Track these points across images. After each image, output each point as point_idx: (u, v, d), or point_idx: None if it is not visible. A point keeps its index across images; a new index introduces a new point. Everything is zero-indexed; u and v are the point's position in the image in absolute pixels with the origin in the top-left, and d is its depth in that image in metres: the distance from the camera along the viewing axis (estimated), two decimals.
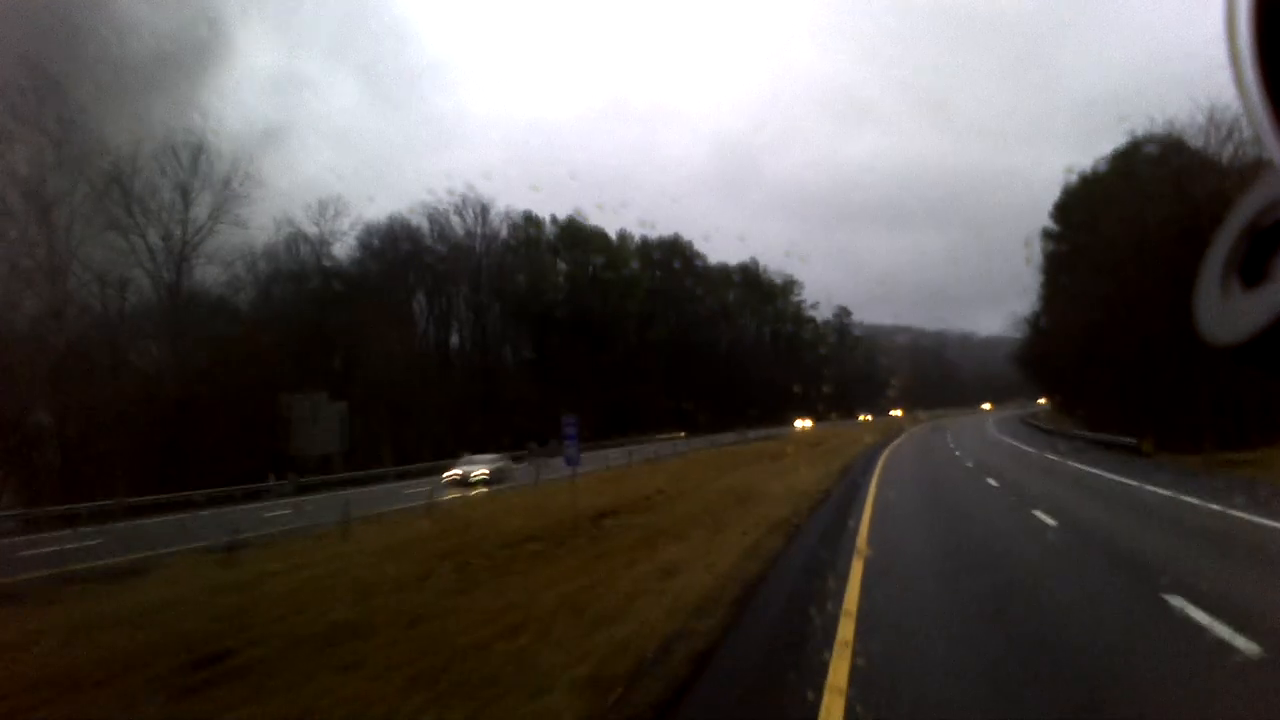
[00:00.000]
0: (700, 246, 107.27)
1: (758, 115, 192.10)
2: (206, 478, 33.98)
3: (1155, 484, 19.52)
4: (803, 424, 77.46)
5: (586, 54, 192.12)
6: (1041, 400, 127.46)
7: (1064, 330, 57.68)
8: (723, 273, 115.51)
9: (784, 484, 23.80)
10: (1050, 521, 13.98)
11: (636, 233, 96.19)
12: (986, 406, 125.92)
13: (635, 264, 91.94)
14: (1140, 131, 36.80)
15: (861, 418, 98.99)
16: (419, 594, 12.94)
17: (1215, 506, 15.01)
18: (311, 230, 50.12)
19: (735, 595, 9.12)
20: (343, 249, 60.71)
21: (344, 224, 51.00)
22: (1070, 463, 29.37)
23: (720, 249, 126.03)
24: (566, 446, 17.63)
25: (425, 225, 71.36)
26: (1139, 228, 40.86)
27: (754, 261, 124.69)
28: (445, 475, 36.07)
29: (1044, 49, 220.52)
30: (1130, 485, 20.36)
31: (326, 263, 48.25)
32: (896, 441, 52.17)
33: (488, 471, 36.27)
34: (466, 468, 36.75)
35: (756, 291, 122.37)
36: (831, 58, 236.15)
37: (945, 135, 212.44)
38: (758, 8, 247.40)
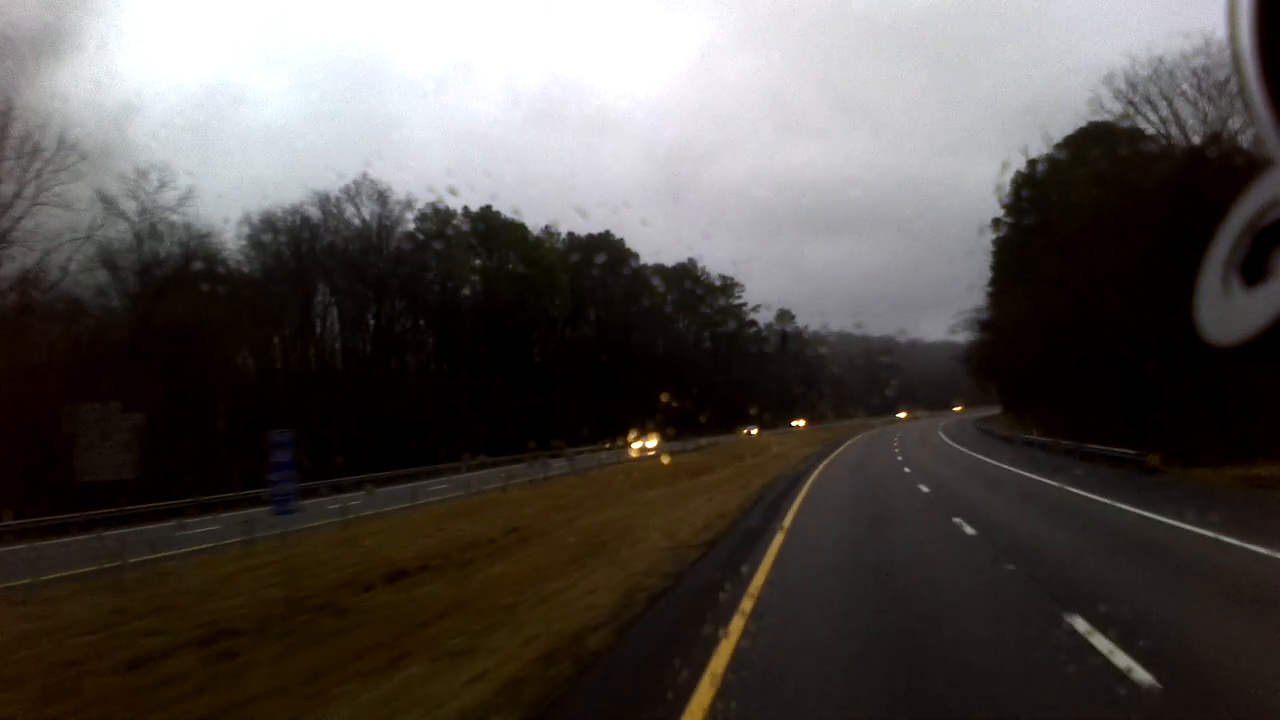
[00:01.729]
0: (634, 247, 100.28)
1: (693, 125, 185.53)
2: None
3: (1219, 528, 12.43)
4: (641, 444, 56.80)
5: (516, 59, 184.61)
6: (958, 408, 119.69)
7: (1020, 326, 51.68)
8: (658, 273, 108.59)
9: (667, 521, 16.72)
10: (1120, 655, 6.32)
11: (563, 229, 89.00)
12: (902, 415, 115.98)
13: (560, 261, 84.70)
14: (1120, 75, 30.38)
15: (745, 431, 79.53)
16: None
17: None
18: (130, 205, 40.68)
19: None
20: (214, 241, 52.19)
21: (171, 197, 41.08)
22: (1065, 486, 21.45)
23: (659, 256, 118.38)
24: (273, 481, 10.23)
25: (319, 216, 63.37)
26: (1119, 200, 34.79)
27: (691, 262, 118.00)
28: None
29: (970, 60, 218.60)
30: (1185, 533, 12.92)
31: (154, 247, 39.42)
32: (834, 454, 44.97)
33: None
34: None
35: (694, 293, 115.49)
36: (764, 69, 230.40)
37: (880, 145, 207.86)
38: (688, 17, 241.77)
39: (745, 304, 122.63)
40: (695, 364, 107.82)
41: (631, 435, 57.92)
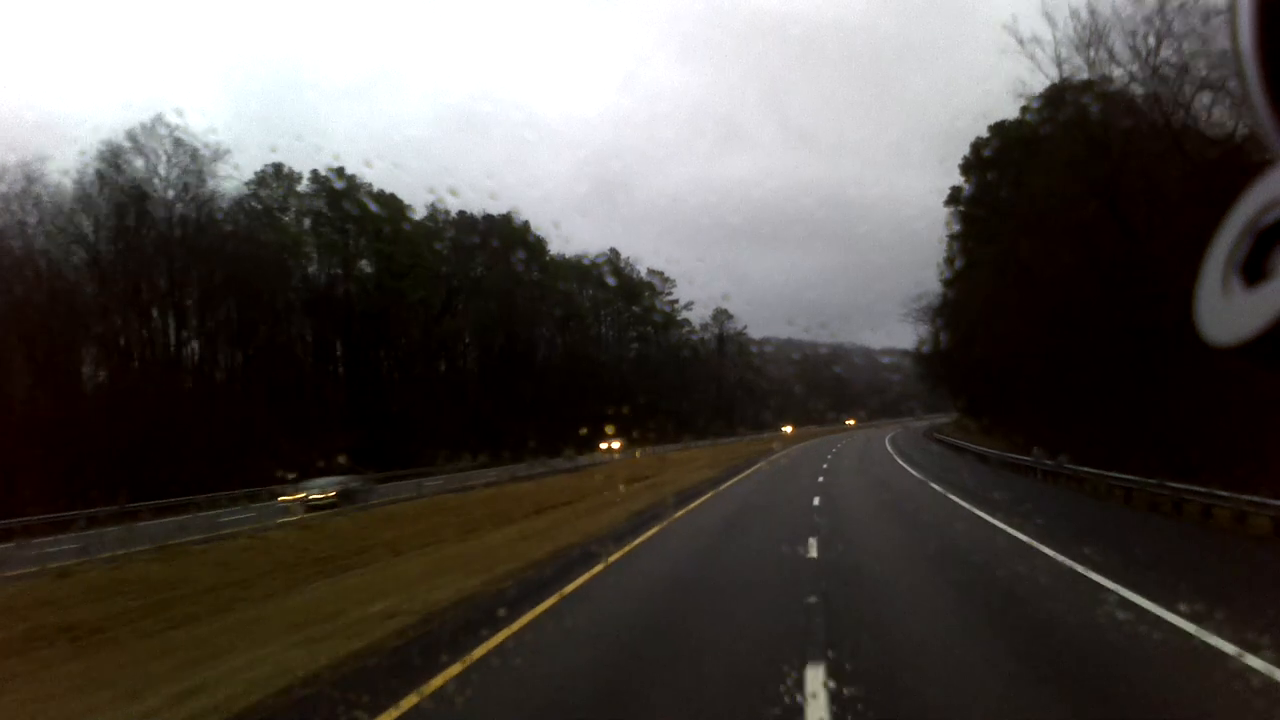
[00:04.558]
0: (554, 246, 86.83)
1: (632, 136, 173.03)
2: None
3: None
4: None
5: (450, 64, 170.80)
6: (850, 422, 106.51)
7: (993, 309, 39.38)
8: (575, 265, 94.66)
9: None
10: None
11: (453, 207, 74.85)
12: (788, 430, 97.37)
13: (435, 240, 70.81)
14: None
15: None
16: None
17: None
18: None
19: None
20: None
21: None
22: None
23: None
24: None
25: (109, 170, 48.94)
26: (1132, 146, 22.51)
27: (615, 253, 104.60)
28: None
29: (899, 78, 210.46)
30: None
31: None
32: (721, 489, 30.81)
33: None
34: None
35: (617, 289, 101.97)
36: (700, 83, 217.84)
37: (817, 159, 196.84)
38: (624, 28, 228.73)
39: (677, 300, 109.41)
40: (614, 367, 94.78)
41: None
